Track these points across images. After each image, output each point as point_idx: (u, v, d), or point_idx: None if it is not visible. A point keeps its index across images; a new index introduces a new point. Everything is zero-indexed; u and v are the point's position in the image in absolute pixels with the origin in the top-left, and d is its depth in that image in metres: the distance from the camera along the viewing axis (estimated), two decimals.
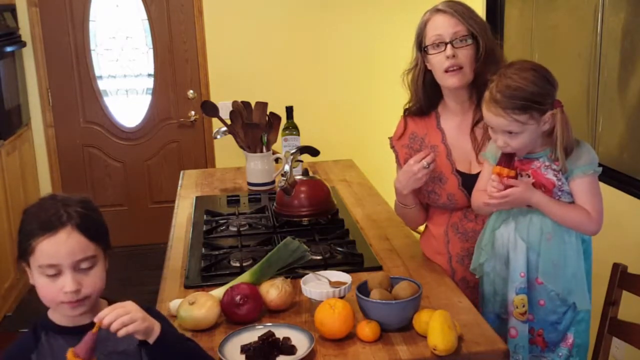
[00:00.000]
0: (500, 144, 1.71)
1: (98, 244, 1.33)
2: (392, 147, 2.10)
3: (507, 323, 1.81)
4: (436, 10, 1.90)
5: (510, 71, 1.68)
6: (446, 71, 1.86)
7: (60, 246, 1.27)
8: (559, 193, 1.72)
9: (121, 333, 1.24)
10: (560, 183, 1.71)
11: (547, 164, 1.72)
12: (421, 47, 1.93)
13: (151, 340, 1.28)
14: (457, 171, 1.96)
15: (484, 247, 1.85)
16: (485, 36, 1.87)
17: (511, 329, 1.79)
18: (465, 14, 1.86)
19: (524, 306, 1.76)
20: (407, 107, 2.06)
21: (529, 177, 1.73)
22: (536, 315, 1.79)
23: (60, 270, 1.28)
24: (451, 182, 1.96)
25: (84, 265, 1.29)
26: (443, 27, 1.86)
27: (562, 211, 1.70)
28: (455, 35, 1.85)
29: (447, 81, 1.89)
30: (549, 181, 1.72)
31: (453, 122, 1.99)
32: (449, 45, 1.85)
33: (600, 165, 1.73)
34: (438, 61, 1.87)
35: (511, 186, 1.69)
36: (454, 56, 1.84)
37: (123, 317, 1.24)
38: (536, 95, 1.64)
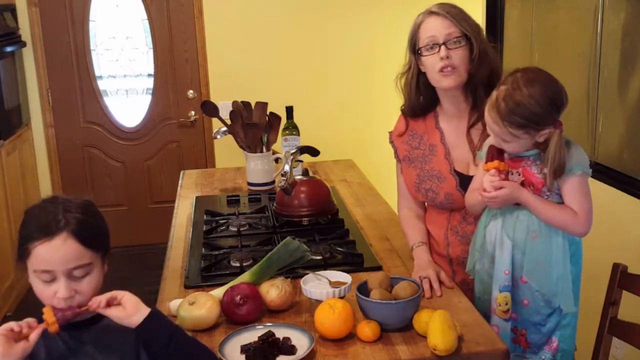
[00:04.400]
0: (492, 141, 1.74)
1: (95, 251, 1.33)
2: (391, 142, 2.11)
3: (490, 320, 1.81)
4: (429, 13, 1.90)
5: (522, 81, 1.65)
6: (440, 71, 1.87)
7: (55, 253, 1.28)
8: (548, 193, 1.72)
9: (102, 298, 1.31)
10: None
11: (537, 163, 1.72)
12: (415, 49, 1.94)
13: (133, 325, 1.31)
14: (455, 171, 1.96)
15: (476, 248, 1.86)
16: (479, 38, 1.88)
17: (493, 327, 1.78)
18: (458, 16, 1.87)
19: (506, 304, 1.77)
20: (403, 108, 2.08)
21: (519, 175, 1.74)
22: (520, 315, 1.80)
23: (54, 276, 1.29)
24: (449, 182, 1.96)
25: (77, 273, 1.30)
26: (436, 29, 1.87)
27: (549, 210, 1.71)
28: (448, 36, 1.85)
29: (442, 82, 1.89)
30: (538, 180, 1.72)
31: (451, 125, 2.00)
32: (442, 47, 1.85)
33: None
34: (432, 62, 1.88)
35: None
36: (447, 57, 1.85)
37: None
38: (537, 116, 1.64)
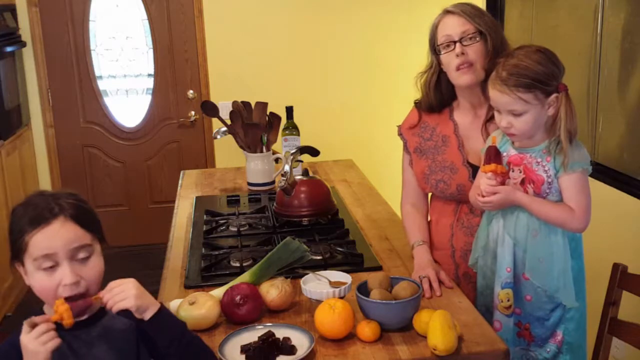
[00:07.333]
0: (504, 124, 1.73)
1: (93, 234, 1.32)
2: (400, 134, 2.12)
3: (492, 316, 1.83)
4: (445, 12, 1.94)
5: (518, 52, 1.72)
6: (457, 69, 1.89)
7: (55, 236, 1.26)
8: (547, 190, 1.73)
9: (113, 309, 1.28)
10: (550, 180, 1.72)
11: (538, 160, 1.74)
12: (434, 49, 1.96)
13: (146, 317, 1.30)
14: (469, 163, 1.97)
15: (479, 244, 1.88)
16: (494, 33, 1.90)
17: (495, 322, 1.82)
18: (472, 13, 1.90)
19: (508, 300, 1.79)
20: (418, 101, 2.09)
21: (520, 172, 1.75)
22: (523, 310, 1.81)
23: (56, 262, 1.26)
24: (462, 173, 1.97)
25: (81, 254, 1.28)
26: (452, 27, 1.90)
27: (545, 209, 1.72)
28: (463, 34, 1.88)
29: (459, 79, 1.92)
30: (538, 177, 1.73)
31: (466, 117, 2.02)
32: (457, 44, 1.88)
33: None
34: (449, 61, 1.91)
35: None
36: (463, 54, 1.88)
37: (117, 294, 1.28)
38: (541, 74, 1.67)
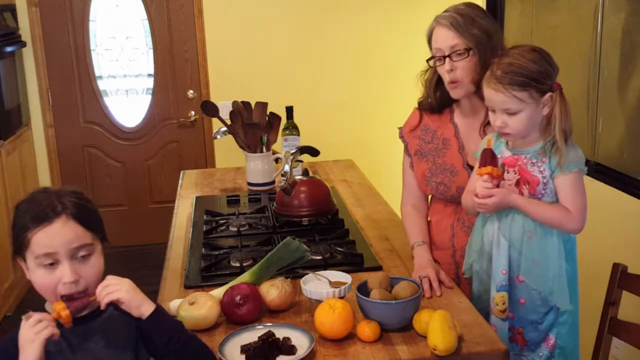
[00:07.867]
0: (499, 124, 1.73)
1: (94, 233, 1.33)
2: (402, 137, 2.13)
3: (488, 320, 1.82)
4: (436, 23, 1.93)
5: (512, 51, 1.73)
6: (449, 83, 1.92)
7: (56, 235, 1.27)
8: (543, 191, 1.73)
9: (104, 301, 1.29)
10: (545, 180, 1.72)
11: (533, 161, 1.74)
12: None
13: (144, 315, 1.31)
14: (468, 165, 1.98)
15: (473, 248, 1.87)
16: (485, 46, 1.88)
17: (491, 326, 1.80)
18: (462, 27, 1.87)
19: (504, 304, 1.78)
20: (420, 100, 2.10)
21: (515, 173, 1.75)
22: (516, 314, 1.81)
23: (57, 260, 1.28)
24: (462, 176, 1.98)
25: (81, 253, 1.30)
26: (442, 40, 1.90)
27: (541, 211, 1.72)
28: (452, 49, 1.88)
29: (451, 93, 1.96)
30: (534, 178, 1.73)
31: (466, 120, 2.03)
32: (447, 59, 1.89)
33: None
34: (442, 73, 1.94)
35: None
36: (452, 70, 1.89)
37: (108, 286, 1.30)
38: (536, 73, 1.67)
